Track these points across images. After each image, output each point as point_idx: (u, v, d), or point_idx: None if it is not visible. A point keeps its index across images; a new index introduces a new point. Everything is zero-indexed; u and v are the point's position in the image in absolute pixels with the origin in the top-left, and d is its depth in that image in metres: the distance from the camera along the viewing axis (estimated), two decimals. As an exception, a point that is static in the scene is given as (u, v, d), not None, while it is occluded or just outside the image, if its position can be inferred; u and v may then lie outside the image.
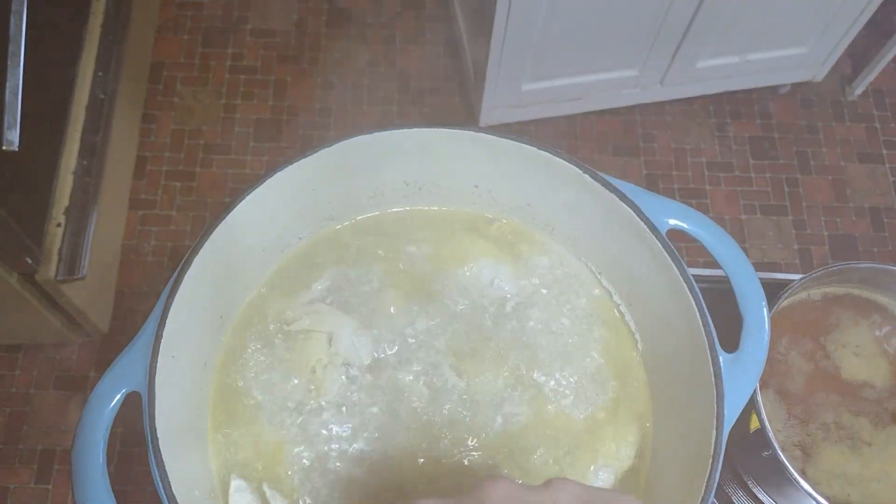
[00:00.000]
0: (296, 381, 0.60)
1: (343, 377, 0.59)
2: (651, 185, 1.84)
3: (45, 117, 1.38)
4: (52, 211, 1.39)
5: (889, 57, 1.83)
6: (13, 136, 1.16)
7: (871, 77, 1.90)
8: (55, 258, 1.37)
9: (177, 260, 1.69)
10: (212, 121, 1.82)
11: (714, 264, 0.58)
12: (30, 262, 1.31)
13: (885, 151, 1.92)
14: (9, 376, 1.57)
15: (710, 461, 0.50)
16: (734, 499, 0.71)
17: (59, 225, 1.39)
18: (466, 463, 0.57)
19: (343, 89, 1.88)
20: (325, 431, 0.58)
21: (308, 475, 0.57)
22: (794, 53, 1.75)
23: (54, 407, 1.57)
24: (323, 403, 0.58)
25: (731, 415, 0.51)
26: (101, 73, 1.52)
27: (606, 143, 1.87)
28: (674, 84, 1.76)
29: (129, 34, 1.65)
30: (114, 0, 1.57)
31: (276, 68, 1.88)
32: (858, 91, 1.94)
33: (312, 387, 0.59)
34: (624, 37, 1.57)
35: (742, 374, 0.52)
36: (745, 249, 1.77)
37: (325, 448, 0.57)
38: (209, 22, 1.92)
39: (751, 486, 0.68)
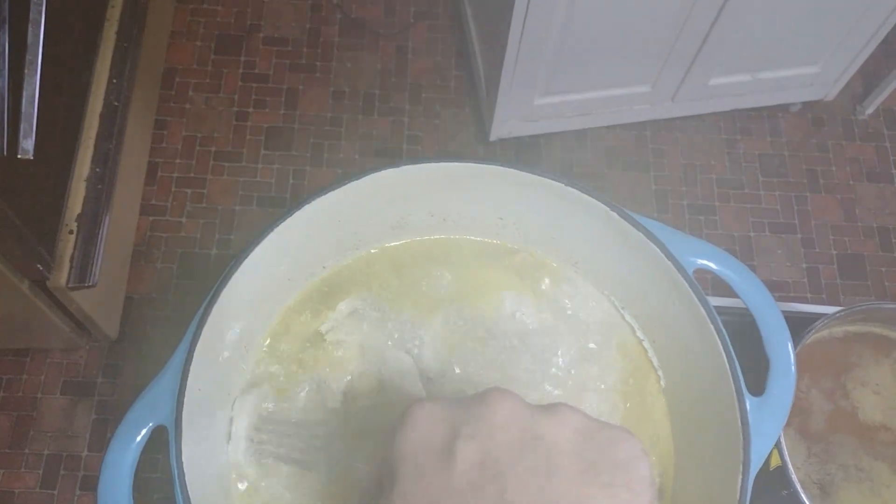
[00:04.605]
0: (318, 396, 0.60)
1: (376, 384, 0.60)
2: (660, 201, 1.85)
3: (59, 125, 1.38)
4: (65, 218, 1.39)
5: (901, 77, 1.83)
6: (29, 145, 1.16)
7: (883, 97, 1.90)
8: (67, 265, 1.37)
9: (186, 267, 1.70)
10: (223, 128, 1.83)
11: (736, 295, 0.58)
12: (41, 269, 1.31)
13: (894, 171, 1.93)
14: (16, 380, 1.58)
15: (736, 506, 0.50)
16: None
17: (71, 232, 1.39)
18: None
19: (354, 99, 1.88)
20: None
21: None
22: (806, 72, 1.75)
23: (61, 412, 1.57)
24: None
25: (758, 459, 0.51)
26: (115, 80, 1.52)
27: (616, 157, 1.87)
28: (685, 101, 1.76)
29: (144, 41, 1.65)
30: (129, 7, 1.58)
31: (288, 76, 1.89)
32: (869, 110, 1.94)
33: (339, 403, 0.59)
34: (637, 53, 1.57)
35: (768, 419, 0.52)
36: (752, 267, 1.79)
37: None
38: (222, 29, 1.92)
39: (770, 522, 0.68)
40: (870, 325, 0.67)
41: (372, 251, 0.66)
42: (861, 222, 1.86)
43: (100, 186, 1.47)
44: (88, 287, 1.42)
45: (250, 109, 1.85)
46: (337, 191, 0.56)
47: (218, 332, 0.54)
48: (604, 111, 1.76)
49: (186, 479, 0.48)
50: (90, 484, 1.53)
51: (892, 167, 1.93)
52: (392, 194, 0.60)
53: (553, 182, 0.58)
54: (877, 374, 0.66)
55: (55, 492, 1.52)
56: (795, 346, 0.62)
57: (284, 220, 0.56)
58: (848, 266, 1.81)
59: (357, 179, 0.57)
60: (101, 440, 1.56)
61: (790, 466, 0.59)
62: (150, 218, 1.73)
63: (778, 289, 1.77)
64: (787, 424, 0.65)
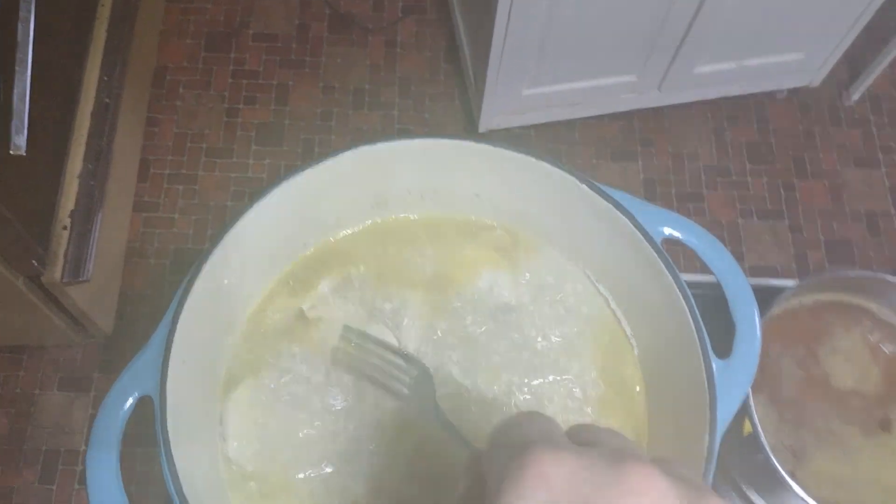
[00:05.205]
0: (305, 372, 0.62)
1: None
2: (649, 189, 1.86)
3: (51, 122, 1.40)
4: (58, 214, 1.40)
5: (886, 62, 1.85)
6: (21, 141, 1.18)
7: (868, 82, 1.92)
8: (61, 261, 1.38)
9: (179, 263, 1.71)
10: (214, 125, 1.84)
11: (710, 270, 0.60)
12: (36, 264, 1.32)
13: (881, 156, 1.94)
14: (13, 377, 1.59)
15: (704, 465, 0.51)
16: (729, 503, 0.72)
17: (64, 228, 1.40)
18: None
19: (344, 94, 1.90)
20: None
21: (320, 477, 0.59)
22: (791, 59, 1.77)
23: (58, 408, 1.58)
24: (337, 400, 0.61)
25: (724, 419, 0.53)
26: (106, 78, 1.53)
27: (605, 148, 1.89)
28: (672, 89, 1.78)
29: (134, 39, 1.67)
30: (119, 5, 1.59)
31: (278, 73, 1.90)
32: (855, 96, 1.96)
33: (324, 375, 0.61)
34: (622, 42, 1.59)
35: (734, 380, 0.54)
36: (741, 254, 1.80)
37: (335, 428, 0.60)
38: (212, 27, 1.94)
39: (745, 489, 0.70)
40: (840, 295, 0.68)
41: (353, 230, 0.68)
42: (848, 207, 1.88)
43: (92, 183, 1.48)
44: (83, 282, 1.44)
45: (241, 106, 1.86)
46: (316, 167, 0.58)
47: (201, 307, 0.56)
48: (591, 101, 1.77)
49: (172, 447, 0.50)
50: (88, 478, 1.55)
51: (879, 152, 1.95)
52: (370, 172, 0.62)
53: (525, 157, 0.60)
54: (847, 341, 0.68)
55: (54, 487, 1.53)
56: (764, 315, 0.64)
57: (264, 196, 0.57)
58: (836, 251, 1.82)
59: (334, 156, 0.58)
60: (99, 435, 1.58)
61: (761, 432, 0.61)
62: (143, 214, 1.74)
63: (766, 275, 1.79)
64: (759, 391, 0.67)
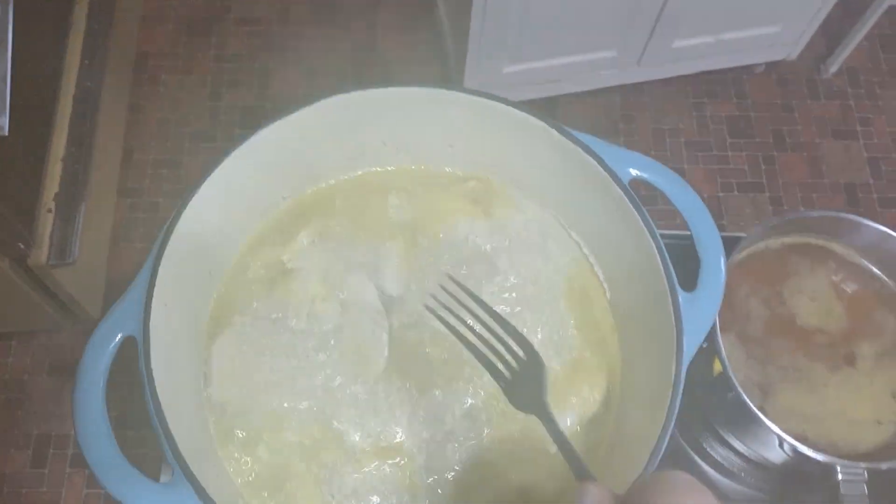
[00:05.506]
0: (283, 317, 0.63)
1: (338, 307, 0.63)
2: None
3: (33, 105, 1.40)
4: (43, 197, 1.41)
5: (861, 34, 1.87)
6: (3, 121, 1.19)
7: (845, 55, 1.94)
8: (46, 243, 1.39)
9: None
10: (198, 109, 1.85)
11: (681, 227, 0.62)
12: (22, 247, 1.33)
13: (859, 128, 1.97)
14: (2, 363, 1.60)
15: (671, 391, 0.53)
16: (705, 445, 0.74)
17: (49, 211, 1.41)
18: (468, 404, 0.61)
19: (327, 76, 1.90)
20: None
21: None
22: (768, 32, 1.78)
23: (48, 393, 1.59)
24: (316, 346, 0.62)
25: (691, 348, 0.55)
26: (87, 62, 1.54)
27: (587, 124, 1.90)
28: (651, 64, 1.79)
29: (114, 24, 1.67)
30: (98, -10, 1.60)
31: (260, 56, 1.91)
32: (833, 69, 1.98)
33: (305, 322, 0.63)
34: (601, 16, 1.60)
35: (700, 310, 0.56)
36: (722, 226, 1.82)
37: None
38: (193, 11, 1.94)
39: (719, 429, 0.72)
40: (806, 237, 0.70)
41: (331, 182, 0.69)
42: (827, 179, 1.90)
43: (76, 167, 1.49)
44: (68, 264, 1.45)
45: (224, 90, 1.87)
46: (291, 116, 0.60)
47: (183, 251, 0.57)
48: (572, 77, 1.79)
49: (156, 384, 0.51)
50: (80, 461, 1.55)
51: (857, 124, 1.97)
52: (344, 121, 0.63)
53: (496, 103, 0.61)
54: (812, 282, 0.70)
55: (46, 470, 1.54)
56: (731, 256, 0.66)
57: (240, 145, 0.59)
58: (816, 221, 1.84)
59: (308, 105, 0.60)
60: (89, 418, 1.59)
61: (730, 370, 0.63)
62: (129, 200, 1.75)
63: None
64: (727, 331, 0.69)
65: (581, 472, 0.48)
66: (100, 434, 0.49)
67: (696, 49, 1.78)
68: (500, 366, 0.53)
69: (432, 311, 0.56)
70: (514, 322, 0.63)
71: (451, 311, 0.55)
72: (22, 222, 1.33)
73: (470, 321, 0.55)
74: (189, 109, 1.85)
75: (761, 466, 0.69)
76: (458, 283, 0.55)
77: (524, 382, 0.53)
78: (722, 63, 1.86)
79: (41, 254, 1.38)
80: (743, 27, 1.76)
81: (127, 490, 0.48)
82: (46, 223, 1.41)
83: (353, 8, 1.97)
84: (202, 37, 1.92)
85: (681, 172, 1.87)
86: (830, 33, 1.98)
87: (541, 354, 0.54)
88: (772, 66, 1.97)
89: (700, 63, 1.84)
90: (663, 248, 0.57)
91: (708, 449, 0.72)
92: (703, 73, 1.90)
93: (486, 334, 0.54)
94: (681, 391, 0.53)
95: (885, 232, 0.68)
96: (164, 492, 0.48)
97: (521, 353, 0.53)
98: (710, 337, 0.64)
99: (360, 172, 0.70)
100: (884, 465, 0.59)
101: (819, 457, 0.59)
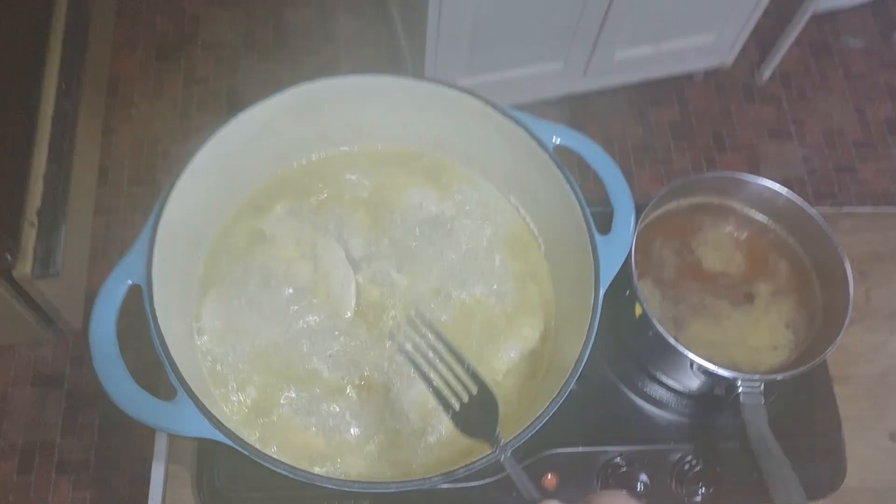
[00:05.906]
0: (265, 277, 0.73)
1: (311, 266, 0.73)
2: (583, 170, 1.98)
3: (15, 126, 1.49)
4: (26, 212, 1.49)
5: (790, 41, 2.01)
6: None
7: (776, 61, 2.08)
8: (31, 255, 1.46)
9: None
10: (170, 130, 1.94)
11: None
12: (9, 258, 1.40)
13: (793, 128, 2.11)
14: (-14, 376, 1.65)
15: (591, 313, 0.64)
16: (638, 383, 0.84)
17: (32, 225, 1.49)
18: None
19: (292, 95, 2.00)
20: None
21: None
22: (703, 41, 1.92)
23: (33, 403, 1.64)
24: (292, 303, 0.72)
25: (606, 279, 0.65)
26: (64, 85, 1.63)
27: (539, 132, 2.02)
28: (596, 75, 1.92)
29: (88, 51, 1.77)
30: (73, 19, 1.69)
31: (228, 78, 2.01)
32: (766, 75, 2.12)
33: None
34: (547, 30, 1.72)
35: (614, 248, 0.67)
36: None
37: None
38: (162, 37, 2.04)
39: (648, 367, 0.82)
40: (708, 197, 0.82)
41: (302, 162, 0.80)
42: (766, 176, 2.03)
43: (57, 183, 1.57)
44: (52, 275, 1.52)
45: (194, 111, 1.96)
46: (267, 101, 0.70)
47: (174, 223, 0.67)
48: (524, 89, 1.90)
49: (160, 322, 0.61)
50: (65, 468, 1.61)
51: (791, 125, 2.11)
52: (312, 106, 0.74)
53: (437, 86, 0.72)
54: (716, 235, 0.82)
55: (32, 478, 1.59)
56: (645, 215, 0.77)
57: (224, 127, 0.69)
58: (756, 216, 1.97)
59: (282, 92, 0.70)
60: (74, 426, 1.64)
61: (647, 308, 0.73)
62: (105, 217, 1.82)
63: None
64: (644, 277, 0.80)
65: (535, 495, 0.54)
66: (113, 362, 0.58)
67: (638, 59, 1.91)
68: (453, 399, 0.59)
69: (399, 343, 0.65)
70: (463, 272, 0.74)
71: (414, 344, 0.62)
72: (7, 235, 1.41)
73: (430, 354, 0.62)
74: (161, 130, 1.93)
75: (684, 395, 0.79)
76: (424, 319, 0.64)
77: (475, 413, 0.59)
78: (663, 71, 1.99)
79: (26, 265, 1.45)
80: (679, 36, 1.89)
81: (141, 409, 0.57)
82: (30, 236, 1.48)
83: (317, 34, 2.08)
84: (171, 61, 2.01)
85: (629, 175, 1.99)
86: (763, 42, 2.12)
87: (484, 306, 0.64)
88: (710, 73, 2.11)
89: (642, 72, 1.97)
90: (582, 199, 0.68)
91: (640, 385, 0.82)
92: (646, 82, 2.03)
93: (444, 370, 0.60)
94: (598, 314, 0.64)
95: (773, 188, 0.80)
96: (171, 408, 0.57)
97: (473, 388, 0.59)
98: (630, 284, 0.74)
99: (326, 153, 0.80)
100: (779, 377, 0.70)
101: (723, 372, 0.70)
